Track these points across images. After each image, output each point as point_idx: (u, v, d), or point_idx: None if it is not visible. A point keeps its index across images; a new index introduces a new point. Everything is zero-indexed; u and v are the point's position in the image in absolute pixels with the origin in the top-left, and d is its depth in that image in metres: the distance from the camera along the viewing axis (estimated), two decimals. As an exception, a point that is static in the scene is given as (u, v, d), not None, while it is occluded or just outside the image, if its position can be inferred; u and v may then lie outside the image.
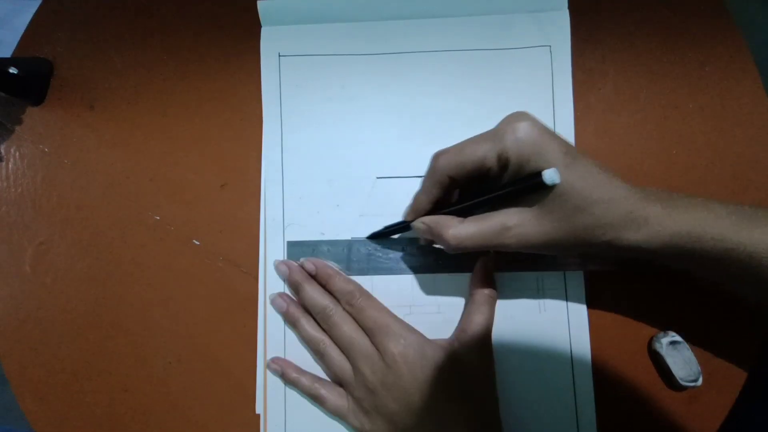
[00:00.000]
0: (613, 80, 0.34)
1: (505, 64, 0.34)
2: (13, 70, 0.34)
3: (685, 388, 0.30)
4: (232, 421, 0.32)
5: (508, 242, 0.26)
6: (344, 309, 0.30)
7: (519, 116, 0.25)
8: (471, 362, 0.28)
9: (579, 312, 0.31)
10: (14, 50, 0.36)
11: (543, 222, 0.25)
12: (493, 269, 0.31)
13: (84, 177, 0.34)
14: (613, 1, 0.34)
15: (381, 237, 0.32)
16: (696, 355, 0.30)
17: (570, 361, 0.31)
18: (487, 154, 0.25)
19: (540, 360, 0.31)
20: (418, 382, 0.27)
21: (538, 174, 0.23)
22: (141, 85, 0.35)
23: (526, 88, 0.33)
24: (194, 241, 0.33)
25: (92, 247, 0.34)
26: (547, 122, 0.33)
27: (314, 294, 0.31)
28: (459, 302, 0.32)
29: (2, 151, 0.35)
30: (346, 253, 0.32)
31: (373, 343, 0.29)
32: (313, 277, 0.31)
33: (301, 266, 0.32)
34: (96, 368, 0.33)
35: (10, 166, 0.35)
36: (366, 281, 0.32)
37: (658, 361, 0.30)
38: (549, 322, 0.31)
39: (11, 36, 0.37)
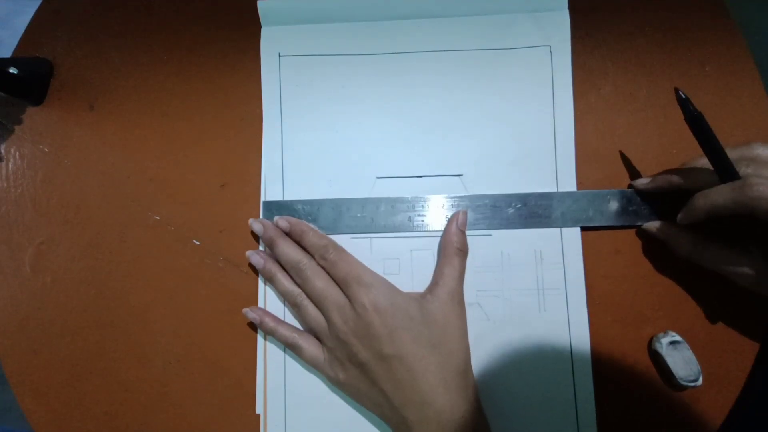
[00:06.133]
0: (613, 80, 0.34)
1: (505, 64, 0.34)
2: (13, 70, 0.34)
3: (685, 388, 0.30)
4: (232, 421, 0.32)
5: (740, 282, 0.27)
6: (318, 263, 0.31)
7: None
8: (442, 313, 0.29)
9: (579, 312, 0.31)
10: (14, 50, 0.36)
11: None
12: (465, 223, 0.31)
13: (84, 177, 0.34)
14: (613, 1, 0.34)
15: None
16: (696, 355, 0.30)
17: (570, 360, 0.31)
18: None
19: (540, 359, 0.31)
20: (388, 330, 0.28)
21: None
22: (141, 85, 0.35)
23: (526, 88, 0.33)
24: (194, 241, 0.33)
25: (92, 247, 0.34)
26: (547, 122, 0.33)
27: (288, 249, 0.31)
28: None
29: (2, 151, 0.35)
30: (319, 211, 0.32)
31: (345, 293, 0.29)
32: (288, 234, 0.32)
33: (276, 224, 0.32)
34: (96, 368, 0.33)
35: (10, 166, 0.35)
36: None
37: (658, 361, 0.30)
38: (549, 322, 0.31)
39: (11, 36, 0.37)
